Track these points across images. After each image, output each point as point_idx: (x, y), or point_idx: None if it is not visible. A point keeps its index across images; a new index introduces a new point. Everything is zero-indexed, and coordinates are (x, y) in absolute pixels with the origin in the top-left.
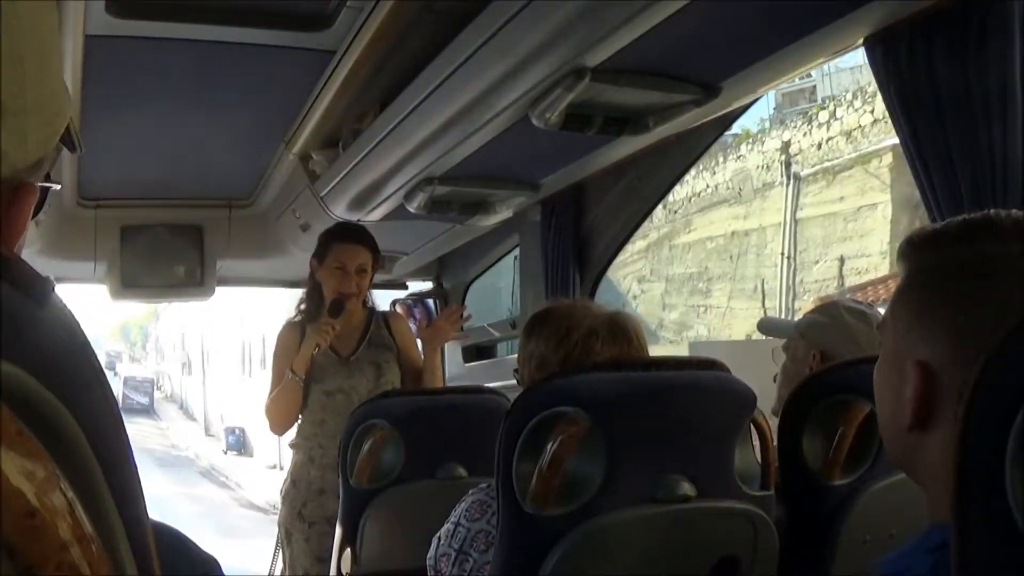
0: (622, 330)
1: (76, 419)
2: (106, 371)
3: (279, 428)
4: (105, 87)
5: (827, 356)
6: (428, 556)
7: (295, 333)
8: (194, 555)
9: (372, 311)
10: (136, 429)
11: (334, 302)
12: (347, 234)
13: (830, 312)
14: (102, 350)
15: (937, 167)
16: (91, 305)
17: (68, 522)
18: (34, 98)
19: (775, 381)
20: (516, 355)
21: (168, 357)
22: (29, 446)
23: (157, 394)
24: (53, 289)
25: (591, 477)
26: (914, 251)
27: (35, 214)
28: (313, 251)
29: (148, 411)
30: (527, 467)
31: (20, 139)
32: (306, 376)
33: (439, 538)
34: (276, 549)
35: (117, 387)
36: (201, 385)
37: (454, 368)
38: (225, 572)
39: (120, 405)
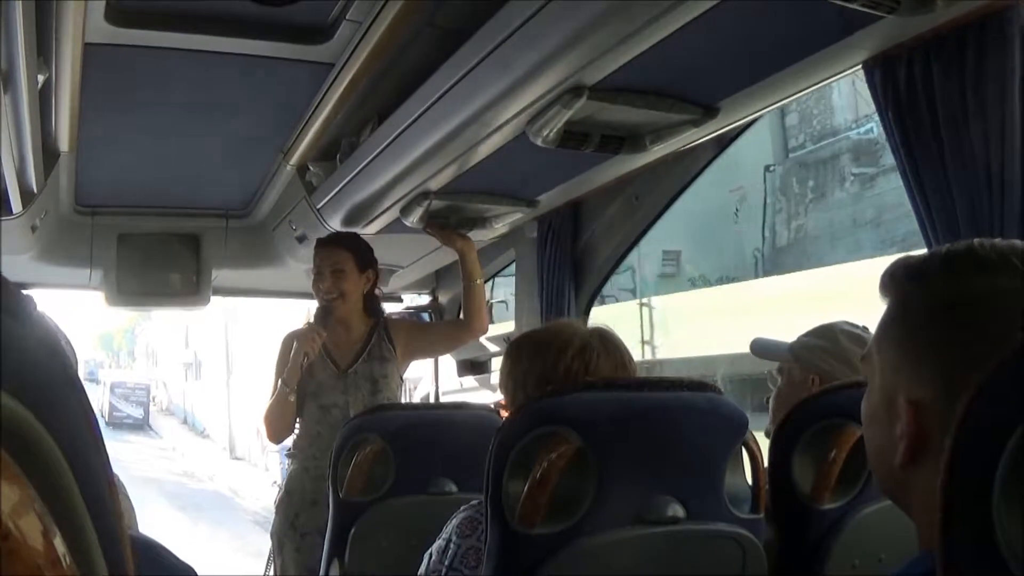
0: (613, 344)
1: (56, 441)
2: (87, 381)
3: (275, 438)
4: (103, 95)
5: (825, 381)
6: (419, 573)
7: (293, 342)
8: (168, 564)
9: (376, 322)
10: (132, 451)
11: (320, 309)
12: (324, 240)
13: (827, 336)
14: (80, 359)
15: (934, 191)
16: (69, 313)
17: (42, 544)
18: None
19: (767, 403)
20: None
21: (164, 360)
22: (5, 469)
23: (151, 406)
24: (35, 307)
25: (581, 497)
26: (896, 284)
27: None
28: (312, 261)
29: (142, 427)
30: (517, 485)
31: None
32: (304, 388)
33: (430, 555)
34: (269, 561)
35: (100, 396)
36: (225, 389)
37: (448, 383)
38: None
39: (106, 419)
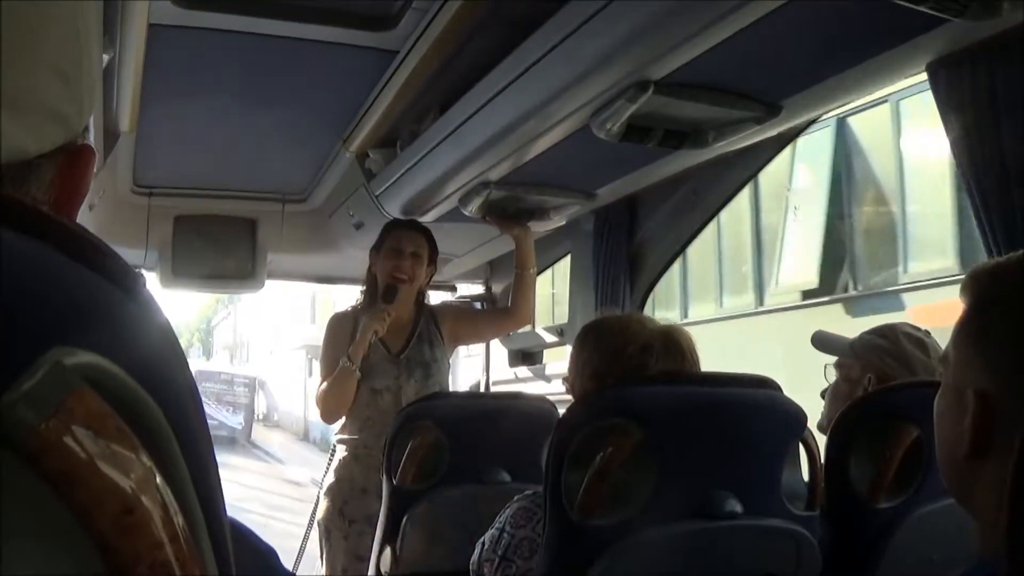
0: (676, 345)
1: (166, 417)
2: None
3: (331, 417)
4: (166, 77)
5: (882, 380)
6: (471, 561)
7: (346, 322)
8: (253, 546)
9: (422, 306)
10: (240, 485)
11: (387, 287)
12: (404, 223)
13: (888, 336)
14: None
15: (994, 195)
16: None
17: (162, 519)
18: (87, 65)
19: (822, 397)
20: (565, 362)
21: (261, 352)
22: (128, 442)
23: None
24: (144, 283)
25: (639, 489)
26: (975, 284)
27: None
28: (368, 248)
29: (239, 442)
30: (576, 476)
31: (78, 104)
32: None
33: (483, 543)
34: (302, 545)
35: None
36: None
37: (499, 373)
38: None
39: None
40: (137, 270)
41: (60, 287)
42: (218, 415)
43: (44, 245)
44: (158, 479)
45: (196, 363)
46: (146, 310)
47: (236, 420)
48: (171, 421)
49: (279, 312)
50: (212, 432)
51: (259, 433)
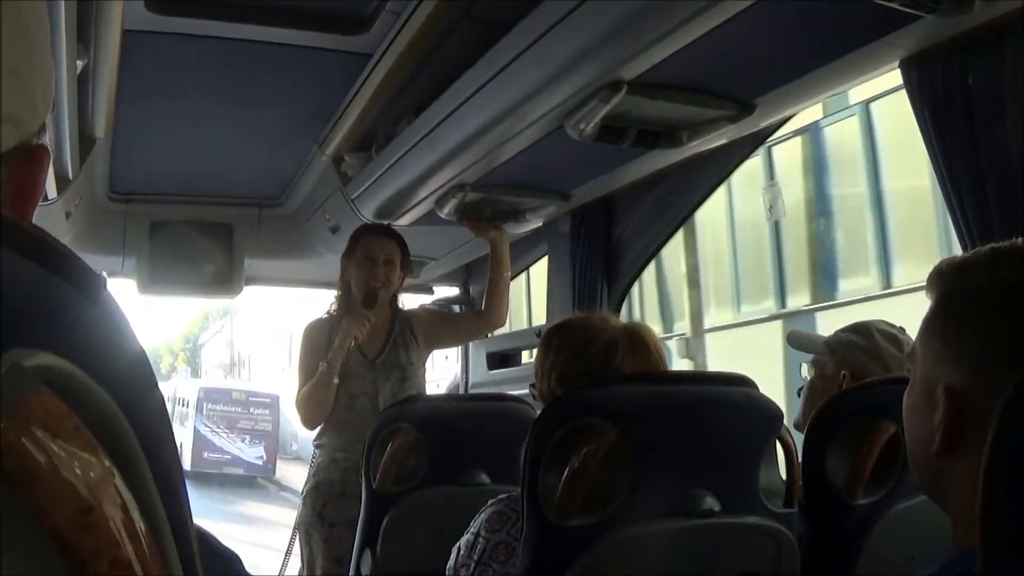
0: (641, 342)
1: (127, 417)
2: None
3: (311, 424)
4: (140, 83)
5: (856, 376)
6: (447, 567)
7: (323, 328)
8: (217, 551)
9: (396, 311)
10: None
11: (368, 293)
12: (375, 228)
13: (863, 333)
14: None
15: (968, 189)
16: None
17: (122, 519)
18: (38, 64)
19: (799, 395)
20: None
21: (260, 371)
22: (86, 442)
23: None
24: (105, 285)
25: (617, 489)
26: (942, 279)
27: None
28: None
29: (257, 484)
30: (553, 477)
31: (31, 103)
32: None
33: (458, 548)
34: (288, 548)
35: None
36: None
37: (478, 375)
38: None
39: (189, 465)
40: (103, 274)
41: (17, 288)
42: (231, 447)
43: (0, 246)
44: (117, 479)
45: (199, 381)
46: (106, 312)
47: (255, 453)
48: (132, 422)
49: (295, 321)
50: (225, 470)
51: (280, 469)
